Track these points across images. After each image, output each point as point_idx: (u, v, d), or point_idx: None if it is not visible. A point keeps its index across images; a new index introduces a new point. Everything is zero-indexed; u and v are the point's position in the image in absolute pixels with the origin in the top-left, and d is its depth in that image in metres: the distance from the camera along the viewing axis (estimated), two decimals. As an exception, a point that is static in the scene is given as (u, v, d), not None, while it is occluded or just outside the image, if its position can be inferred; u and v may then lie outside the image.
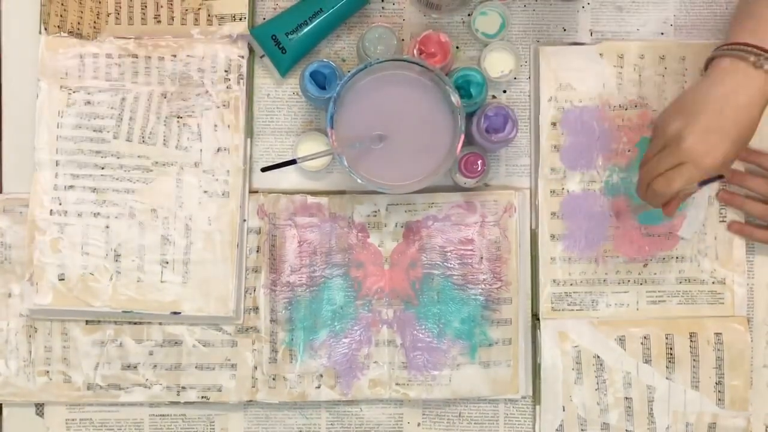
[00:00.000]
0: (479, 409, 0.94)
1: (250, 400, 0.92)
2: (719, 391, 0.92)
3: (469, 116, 0.90)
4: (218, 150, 0.92)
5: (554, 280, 0.93)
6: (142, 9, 0.93)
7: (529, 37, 0.94)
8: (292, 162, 0.84)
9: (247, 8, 0.92)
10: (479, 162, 0.89)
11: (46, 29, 0.92)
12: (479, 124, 0.88)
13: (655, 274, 0.93)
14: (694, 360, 0.93)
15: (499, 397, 0.93)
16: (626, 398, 0.92)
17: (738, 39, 0.78)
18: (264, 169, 0.86)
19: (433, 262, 0.92)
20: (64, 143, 0.91)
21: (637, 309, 0.93)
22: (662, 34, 0.94)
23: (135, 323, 0.92)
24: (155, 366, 0.92)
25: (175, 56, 0.92)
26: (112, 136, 0.91)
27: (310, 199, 0.93)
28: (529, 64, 0.94)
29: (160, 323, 0.92)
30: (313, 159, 0.86)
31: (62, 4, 0.92)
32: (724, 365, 0.92)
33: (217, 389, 0.92)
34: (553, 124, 0.93)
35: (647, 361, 0.93)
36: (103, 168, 0.91)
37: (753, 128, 0.78)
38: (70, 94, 0.92)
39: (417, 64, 0.84)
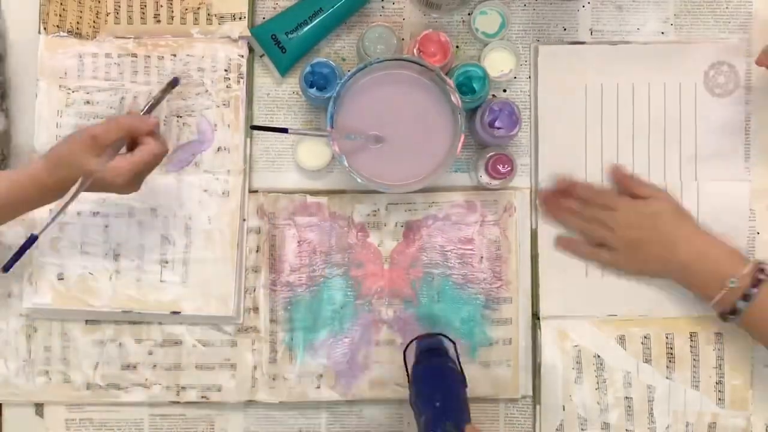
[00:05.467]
0: (479, 409, 0.94)
1: (250, 400, 0.92)
2: (719, 391, 0.92)
3: (473, 111, 0.90)
4: (218, 149, 0.92)
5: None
6: (141, 8, 0.93)
7: (529, 36, 0.94)
8: (284, 130, 0.85)
9: (246, 7, 0.92)
10: (509, 162, 0.88)
11: (45, 29, 0.92)
12: (483, 119, 0.87)
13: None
14: (694, 359, 0.93)
15: (499, 397, 0.93)
16: (626, 398, 0.92)
17: None
18: (253, 127, 0.90)
19: (433, 261, 0.92)
20: (63, 143, 0.91)
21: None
22: (662, 33, 0.94)
23: (135, 323, 0.92)
24: (155, 366, 0.92)
25: (174, 56, 0.92)
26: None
27: (310, 198, 0.93)
28: (529, 63, 0.94)
29: (160, 323, 0.92)
30: (305, 134, 0.91)
31: (61, 4, 0.92)
32: (724, 365, 0.92)
33: (217, 389, 0.92)
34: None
35: (647, 361, 0.93)
36: (102, 167, 0.91)
37: None
38: (69, 93, 0.92)
39: (417, 63, 0.84)
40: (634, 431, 0.92)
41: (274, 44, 0.91)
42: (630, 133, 0.93)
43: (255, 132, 0.93)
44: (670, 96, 0.93)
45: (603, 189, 0.92)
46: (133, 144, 0.79)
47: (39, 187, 0.78)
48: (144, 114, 0.83)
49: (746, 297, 0.84)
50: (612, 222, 0.89)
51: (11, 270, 0.80)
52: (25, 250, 0.78)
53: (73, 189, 0.77)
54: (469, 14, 0.93)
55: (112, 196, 0.89)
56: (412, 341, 0.84)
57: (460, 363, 0.81)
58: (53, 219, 0.78)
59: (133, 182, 0.79)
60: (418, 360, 0.83)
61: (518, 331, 0.93)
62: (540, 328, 0.93)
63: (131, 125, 0.78)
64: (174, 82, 0.87)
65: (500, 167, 0.88)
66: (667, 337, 0.92)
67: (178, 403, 0.93)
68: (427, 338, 0.85)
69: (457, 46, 0.94)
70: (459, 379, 0.80)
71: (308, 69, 0.88)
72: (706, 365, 0.92)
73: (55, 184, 0.78)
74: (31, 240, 0.78)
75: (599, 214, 0.90)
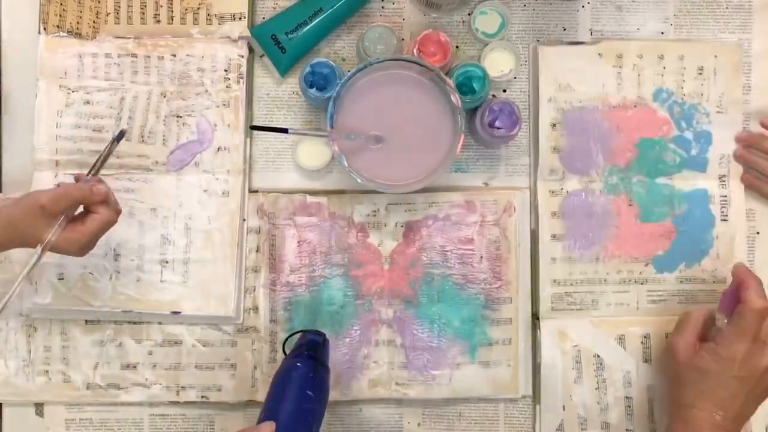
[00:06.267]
0: (479, 409, 0.94)
1: (250, 400, 0.92)
2: (719, 391, 0.92)
3: (473, 111, 0.90)
4: (218, 149, 0.92)
5: (554, 280, 0.93)
6: (141, 8, 0.93)
7: (529, 36, 0.94)
8: (284, 130, 0.85)
9: (246, 7, 0.92)
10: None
11: (45, 29, 0.92)
12: (483, 118, 0.87)
13: (655, 273, 0.93)
14: (694, 359, 0.93)
15: (499, 397, 0.93)
16: (626, 397, 0.92)
17: None
18: (253, 127, 0.90)
19: (433, 261, 0.92)
20: (63, 143, 0.91)
21: (638, 308, 0.93)
22: (662, 33, 0.94)
23: (134, 323, 0.92)
24: (155, 366, 0.92)
25: (174, 56, 0.92)
26: (111, 135, 0.91)
27: (310, 198, 0.93)
28: (529, 63, 0.94)
29: (160, 323, 0.92)
30: (305, 134, 0.91)
31: (61, 4, 0.92)
32: (724, 365, 0.92)
33: (217, 389, 0.92)
34: (553, 125, 0.93)
35: (647, 361, 0.93)
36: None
37: None
38: (69, 93, 0.92)
39: (417, 63, 0.84)
40: (634, 431, 0.92)
41: (274, 44, 0.91)
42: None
43: (255, 132, 0.94)
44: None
45: None
46: (85, 207, 0.79)
47: None
48: (93, 174, 0.81)
49: None
50: None
51: None
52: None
53: (31, 262, 0.77)
54: (469, 14, 0.93)
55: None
56: (292, 335, 0.86)
57: (327, 361, 0.83)
58: (9, 296, 0.77)
59: (86, 248, 0.80)
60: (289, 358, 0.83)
61: (518, 331, 0.93)
62: (540, 328, 0.93)
63: (81, 196, 0.78)
64: (120, 136, 0.83)
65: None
66: (666, 337, 0.92)
67: (177, 403, 0.93)
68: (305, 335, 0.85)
69: (457, 46, 0.94)
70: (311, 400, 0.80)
71: (308, 69, 0.88)
72: (706, 365, 0.92)
73: (6, 242, 0.78)
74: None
75: None
